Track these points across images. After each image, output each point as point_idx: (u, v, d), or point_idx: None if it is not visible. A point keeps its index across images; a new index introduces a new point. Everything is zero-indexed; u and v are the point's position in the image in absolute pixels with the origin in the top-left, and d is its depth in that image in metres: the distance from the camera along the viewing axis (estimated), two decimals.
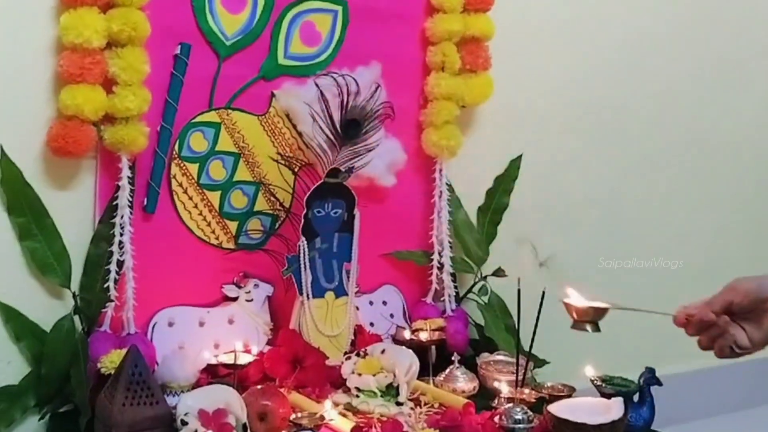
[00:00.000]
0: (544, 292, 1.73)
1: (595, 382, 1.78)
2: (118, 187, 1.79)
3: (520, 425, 1.65)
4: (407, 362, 1.84)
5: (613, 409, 1.69)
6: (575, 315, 1.51)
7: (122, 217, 1.79)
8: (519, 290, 1.74)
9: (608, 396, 1.73)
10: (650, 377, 1.78)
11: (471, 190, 2.27)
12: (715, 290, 1.39)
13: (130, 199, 1.80)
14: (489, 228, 2.26)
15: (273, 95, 1.99)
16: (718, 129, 2.75)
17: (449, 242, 2.18)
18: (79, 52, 1.70)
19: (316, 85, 1.93)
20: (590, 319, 1.50)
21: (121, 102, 1.74)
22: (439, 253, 2.17)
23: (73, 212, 1.81)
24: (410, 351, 1.88)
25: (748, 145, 2.81)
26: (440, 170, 2.18)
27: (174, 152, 1.89)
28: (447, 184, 2.19)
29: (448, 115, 2.15)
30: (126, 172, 1.79)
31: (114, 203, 1.80)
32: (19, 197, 1.74)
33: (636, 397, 1.77)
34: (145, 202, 1.86)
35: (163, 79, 1.84)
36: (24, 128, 1.75)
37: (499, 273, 2.17)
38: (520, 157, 2.31)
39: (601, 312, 1.50)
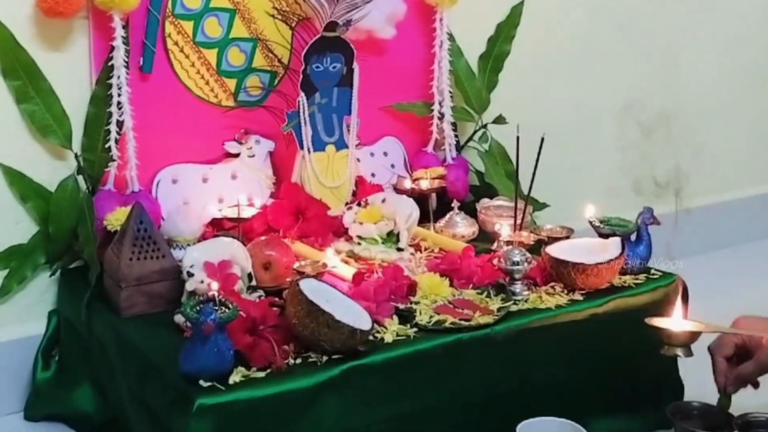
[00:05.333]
0: (543, 138, 1.73)
1: (593, 222, 1.79)
2: (112, 48, 1.78)
3: (518, 266, 1.66)
4: (407, 210, 1.86)
5: (611, 248, 1.71)
6: (668, 339, 1.51)
7: (119, 77, 1.78)
8: (518, 137, 1.74)
9: (606, 236, 1.75)
10: (648, 216, 1.78)
11: (472, 38, 2.23)
12: None
13: (126, 59, 1.79)
14: (490, 76, 2.24)
15: None
16: None
17: (450, 92, 2.16)
18: None
19: None
20: (682, 342, 1.51)
21: None
22: (440, 103, 2.15)
23: (69, 74, 1.80)
24: (410, 199, 1.90)
25: None
26: (441, 19, 2.14)
27: (167, 10, 1.86)
28: (447, 33, 2.15)
29: None
30: (119, 32, 1.77)
31: (110, 64, 1.78)
32: (13, 60, 1.74)
33: (633, 237, 1.78)
34: (142, 62, 1.85)
35: None
36: None
37: (499, 120, 2.17)
38: (522, 2, 2.26)
39: (694, 335, 1.51)
